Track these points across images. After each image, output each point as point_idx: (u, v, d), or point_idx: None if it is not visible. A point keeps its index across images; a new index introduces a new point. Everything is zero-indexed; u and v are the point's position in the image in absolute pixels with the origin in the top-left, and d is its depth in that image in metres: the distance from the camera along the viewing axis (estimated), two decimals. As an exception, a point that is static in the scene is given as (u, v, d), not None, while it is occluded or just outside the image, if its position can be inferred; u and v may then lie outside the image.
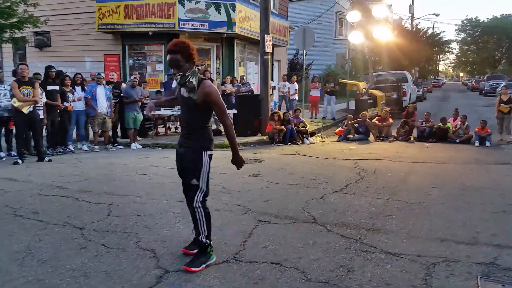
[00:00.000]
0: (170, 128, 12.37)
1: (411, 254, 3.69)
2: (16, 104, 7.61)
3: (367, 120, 11.78)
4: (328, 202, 5.32)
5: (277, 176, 6.89)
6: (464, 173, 7.33)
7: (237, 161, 3.50)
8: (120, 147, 10.03)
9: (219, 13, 13.30)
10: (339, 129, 12.10)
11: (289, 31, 18.88)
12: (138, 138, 10.60)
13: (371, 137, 11.61)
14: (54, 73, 9.04)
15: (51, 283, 3.12)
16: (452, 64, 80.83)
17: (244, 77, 13.26)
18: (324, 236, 4.12)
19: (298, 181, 6.46)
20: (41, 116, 8.28)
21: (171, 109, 11.19)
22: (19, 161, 7.79)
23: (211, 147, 3.43)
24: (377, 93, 15.30)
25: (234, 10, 13.38)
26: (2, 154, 8.37)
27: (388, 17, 29.59)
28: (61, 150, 9.07)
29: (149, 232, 4.16)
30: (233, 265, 3.44)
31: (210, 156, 3.41)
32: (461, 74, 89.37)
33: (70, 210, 4.87)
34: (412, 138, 11.37)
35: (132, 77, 11.05)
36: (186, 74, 3.26)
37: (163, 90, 12.74)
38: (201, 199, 3.42)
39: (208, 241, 3.46)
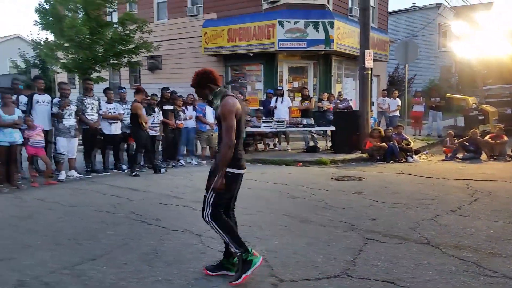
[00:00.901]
0: (268, 145, 12.72)
1: (540, 282, 3.39)
2: (145, 126, 8.63)
3: (478, 137, 10.95)
4: (441, 223, 5.08)
5: (381, 194, 6.74)
6: None
7: (217, 185, 3.37)
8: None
9: (317, 31, 13.48)
10: (447, 147, 11.39)
11: (389, 45, 18.39)
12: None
13: (483, 156, 10.74)
14: (169, 94, 9.95)
15: (177, 283, 3.45)
16: None
17: (342, 94, 13.20)
18: (438, 257, 3.96)
19: (405, 201, 6.26)
20: (157, 133, 9.16)
21: (270, 126, 11.57)
22: (137, 173, 8.63)
23: (231, 165, 3.42)
24: (489, 108, 14.16)
25: (332, 27, 13.47)
26: (124, 166, 9.34)
27: (498, 25, 27.29)
28: (173, 164, 9.84)
29: (259, 242, 4.36)
30: (345, 280, 3.48)
31: (229, 173, 3.41)
32: None
33: (188, 218, 5.30)
34: (531, 157, 10.32)
35: None
36: (210, 99, 3.55)
37: (261, 107, 13.21)
38: (210, 212, 3.47)
39: (238, 250, 3.42)
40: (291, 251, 4.07)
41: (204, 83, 3.51)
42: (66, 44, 14.27)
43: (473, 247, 4.22)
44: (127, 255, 4.07)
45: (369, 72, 11.34)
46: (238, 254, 3.42)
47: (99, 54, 14.38)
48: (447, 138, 11.56)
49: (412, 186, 7.48)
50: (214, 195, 3.45)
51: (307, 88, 12.99)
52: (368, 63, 11.06)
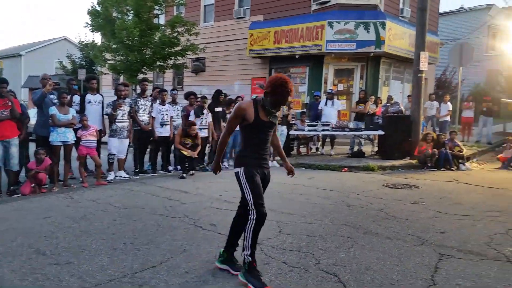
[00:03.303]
0: (311, 148, 12.42)
1: None
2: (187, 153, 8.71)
3: (539, 145, 10.25)
4: (517, 239, 4.66)
5: (442, 205, 6.34)
6: None
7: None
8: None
9: (368, 32, 13.07)
10: (502, 154, 10.73)
11: (439, 47, 17.68)
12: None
13: (542, 165, 10.08)
14: (222, 97, 9.86)
15: (248, 295, 3.25)
16: None
17: (392, 97, 12.73)
18: (526, 279, 3.59)
19: (470, 213, 5.84)
20: (206, 135, 9.09)
21: (315, 130, 11.28)
22: (184, 175, 8.55)
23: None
24: (549, 114, 13.29)
25: (384, 28, 13.03)
26: (171, 168, 9.32)
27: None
28: (217, 166, 9.73)
29: (325, 254, 4.11)
30: (428, 301, 3.18)
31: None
32: None
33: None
34: None
35: None
36: None
37: (305, 110, 12.94)
38: None
39: None
40: (363, 266, 3.79)
41: None
42: (114, 46, 14.53)
43: None
44: (188, 262, 3.92)
45: (423, 75, 10.86)
46: None
47: (147, 56, 14.55)
48: (505, 144, 10.91)
49: (473, 196, 7.03)
50: None
51: (364, 91, 12.61)
52: (423, 66, 10.58)
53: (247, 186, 3.43)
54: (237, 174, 3.51)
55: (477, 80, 25.86)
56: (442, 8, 21.27)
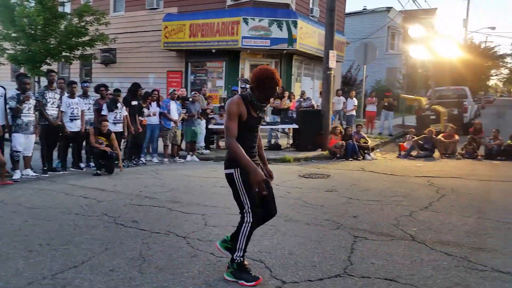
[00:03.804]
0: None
1: (529, 275, 3.56)
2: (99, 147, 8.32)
3: (433, 136, 11.49)
4: (418, 219, 5.23)
5: (353, 192, 6.86)
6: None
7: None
8: (182, 160, 10.22)
9: (281, 30, 13.51)
10: (404, 143, 11.85)
11: (345, 46, 18.86)
12: (205, 151, 10.89)
13: (436, 154, 11.34)
14: (141, 91, 9.46)
15: (175, 289, 3.26)
16: (504, 79, 76.66)
17: (305, 93, 13.34)
18: (428, 253, 4.05)
19: (378, 198, 6.40)
20: (121, 130, 8.74)
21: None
22: (99, 172, 8.18)
23: None
24: (440, 109, 14.91)
25: (295, 26, 13.56)
26: (82, 165, 8.84)
27: (443, 30, 28.90)
28: (134, 162, 9.44)
29: (251, 243, 4.20)
30: (347, 279, 3.45)
31: None
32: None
33: (168, 220, 5.07)
34: (479, 156, 11.01)
35: (192, 92, 11.35)
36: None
37: (223, 104, 13.04)
38: None
39: None
40: (286, 251, 3.99)
41: None
42: (14, 35, 13.28)
43: (457, 242, 4.37)
44: (112, 260, 3.79)
45: (332, 72, 11.52)
46: None
47: (52, 46, 13.52)
48: (408, 135, 12.09)
49: (379, 183, 7.69)
50: None
51: (282, 87, 12.99)
52: (332, 63, 11.24)
53: (243, 188, 3.21)
54: (230, 175, 3.25)
55: (378, 77, 28.11)
56: (347, 9, 22.65)
